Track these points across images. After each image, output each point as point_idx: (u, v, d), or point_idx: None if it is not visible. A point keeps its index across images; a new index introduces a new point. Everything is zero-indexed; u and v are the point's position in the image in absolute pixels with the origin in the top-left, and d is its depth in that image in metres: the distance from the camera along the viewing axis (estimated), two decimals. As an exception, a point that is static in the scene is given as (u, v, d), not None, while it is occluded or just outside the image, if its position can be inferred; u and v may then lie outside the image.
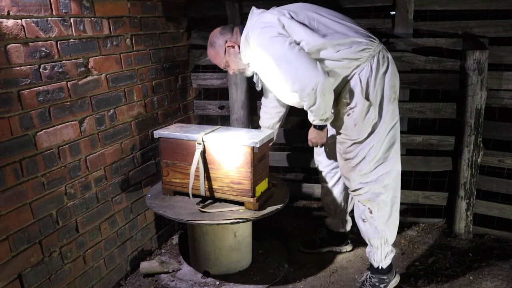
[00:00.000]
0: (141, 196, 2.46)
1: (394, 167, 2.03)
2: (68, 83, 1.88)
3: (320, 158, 2.42)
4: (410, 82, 2.60)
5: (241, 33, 2.00)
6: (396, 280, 2.21)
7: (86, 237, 2.06)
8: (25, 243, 1.73)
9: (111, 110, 2.18)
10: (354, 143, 1.99)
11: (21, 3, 1.63)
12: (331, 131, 2.20)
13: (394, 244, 2.21)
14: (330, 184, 2.43)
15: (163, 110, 2.63)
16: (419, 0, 2.50)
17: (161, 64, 2.57)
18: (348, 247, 2.59)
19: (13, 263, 1.68)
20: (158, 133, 2.21)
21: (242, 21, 2.63)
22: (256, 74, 2.17)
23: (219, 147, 2.09)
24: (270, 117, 2.38)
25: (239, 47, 2.02)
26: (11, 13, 1.59)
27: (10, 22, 1.59)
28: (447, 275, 2.34)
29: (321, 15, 1.92)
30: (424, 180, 2.86)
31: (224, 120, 3.15)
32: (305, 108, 1.93)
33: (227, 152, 2.08)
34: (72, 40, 1.89)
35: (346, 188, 2.32)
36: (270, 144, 2.32)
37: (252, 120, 2.92)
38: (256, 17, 1.96)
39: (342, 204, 2.44)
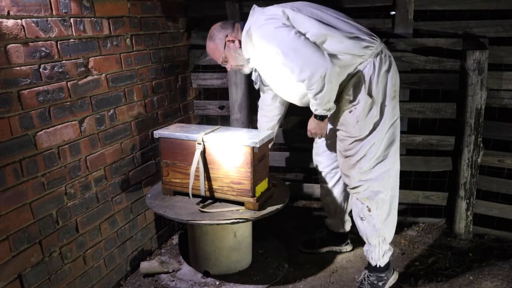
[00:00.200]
0: (141, 196, 2.46)
1: (393, 165, 2.04)
2: (68, 83, 1.88)
3: (319, 158, 2.42)
4: (410, 82, 2.60)
5: (242, 28, 2.00)
6: (394, 277, 2.21)
7: (86, 237, 2.06)
8: (25, 243, 1.73)
9: (111, 110, 2.18)
10: (355, 141, 1.99)
11: (21, 3, 1.63)
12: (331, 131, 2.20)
13: (394, 244, 2.21)
14: (330, 185, 2.42)
15: (163, 110, 2.63)
16: (419, 0, 2.50)
17: (161, 64, 2.57)
18: (348, 247, 2.59)
19: (13, 263, 1.68)
20: (158, 133, 2.21)
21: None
22: (255, 71, 2.17)
23: (219, 147, 2.09)
24: (268, 120, 2.38)
25: (239, 42, 2.02)
26: (11, 13, 1.59)
27: (10, 22, 1.59)
28: (447, 275, 2.34)
29: (324, 12, 1.93)
30: (424, 180, 2.86)
31: (224, 120, 3.15)
32: (310, 96, 1.90)
33: (227, 152, 2.08)
34: (72, 40, 1.89)
35: (346, 188, 2.32)
36: (270, 144, 2.31)
37: (252, 120, 2.92)
38: (258, 12, 1.97)
39: (342, 204, 2.44)
